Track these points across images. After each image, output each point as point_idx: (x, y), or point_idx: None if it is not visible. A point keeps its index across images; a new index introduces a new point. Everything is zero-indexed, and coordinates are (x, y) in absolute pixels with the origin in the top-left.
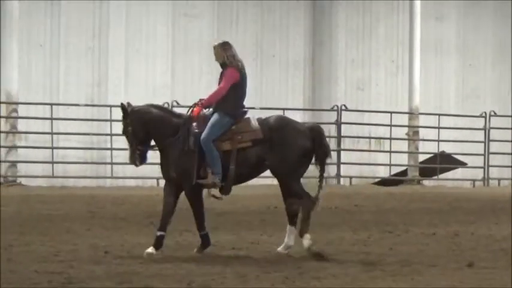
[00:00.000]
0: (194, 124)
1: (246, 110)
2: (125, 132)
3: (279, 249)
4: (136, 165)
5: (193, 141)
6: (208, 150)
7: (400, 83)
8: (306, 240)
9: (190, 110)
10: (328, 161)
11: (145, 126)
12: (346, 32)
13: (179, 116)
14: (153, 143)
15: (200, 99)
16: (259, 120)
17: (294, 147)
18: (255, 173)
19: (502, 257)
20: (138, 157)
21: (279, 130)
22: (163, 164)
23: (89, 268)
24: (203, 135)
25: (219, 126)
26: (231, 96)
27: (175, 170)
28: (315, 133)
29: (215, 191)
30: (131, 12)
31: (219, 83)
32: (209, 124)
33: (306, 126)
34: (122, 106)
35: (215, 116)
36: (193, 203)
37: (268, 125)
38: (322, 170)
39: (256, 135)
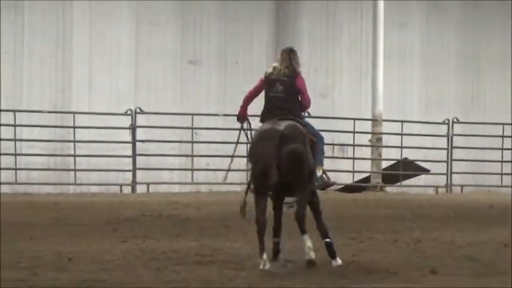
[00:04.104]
0: None
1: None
2: None
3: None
4: None
5: None
6: None
7: (364, 90)
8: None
9: None
10: None
11: None
12: (309, 40)
13: None
14: None
15: None
16: None
17: None
18: None
19: (465, 264)
20: None
21: None
22: None
23: (53, 275)
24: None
25: None
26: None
27: None
28: None
29: None
30: (95, 20)
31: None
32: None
33: None
34: None
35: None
36: None
37: None
38: None
39: None
